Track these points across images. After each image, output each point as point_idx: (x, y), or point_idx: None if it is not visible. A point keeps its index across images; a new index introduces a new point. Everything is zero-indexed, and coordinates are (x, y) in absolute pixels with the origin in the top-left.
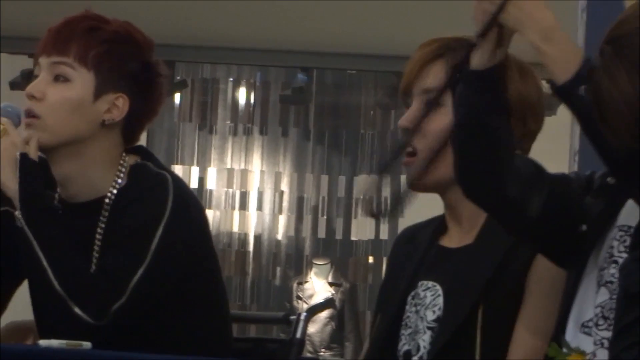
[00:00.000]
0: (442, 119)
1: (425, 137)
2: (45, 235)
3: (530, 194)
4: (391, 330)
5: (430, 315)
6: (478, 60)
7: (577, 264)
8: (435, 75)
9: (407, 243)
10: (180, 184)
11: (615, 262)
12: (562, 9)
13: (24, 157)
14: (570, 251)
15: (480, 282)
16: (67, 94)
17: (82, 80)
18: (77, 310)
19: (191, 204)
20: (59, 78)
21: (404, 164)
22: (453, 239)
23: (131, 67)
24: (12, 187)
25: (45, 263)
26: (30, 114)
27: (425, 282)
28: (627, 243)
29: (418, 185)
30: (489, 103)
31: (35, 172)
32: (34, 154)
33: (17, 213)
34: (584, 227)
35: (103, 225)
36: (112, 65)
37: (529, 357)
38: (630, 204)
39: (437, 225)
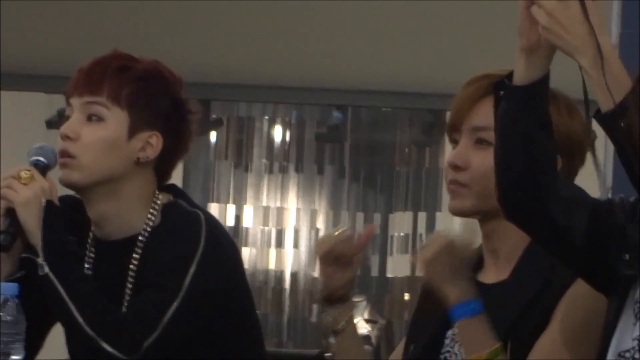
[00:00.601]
0: (490, 156)
1: (472, 173)
2: (69, 279)
3: (574, 218)
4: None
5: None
6: (521, 74)
7: (619, 293)
8: (485, 113)
9: None
10: (213, 222)
11: None
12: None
13: (49, 204)
14: (613, 279)
15: (509, 319)
16: (102, 133)
17: (116, 119)
18: (108, 347)
19: (224, 242)
20: (92, 118)
21: (450, 191)
22: (489, 274)
23: (163, 105)
24: (37, 234)
25: (71, 306)
26: (65, 154)
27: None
28: None
29: (463, 212)
30: (533, 117)
31: (59, 218)
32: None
33: (40, 260)
34: (627, 257)
35: (136, 263)
36: (145, 103)
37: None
38: None
39: (474, 259)
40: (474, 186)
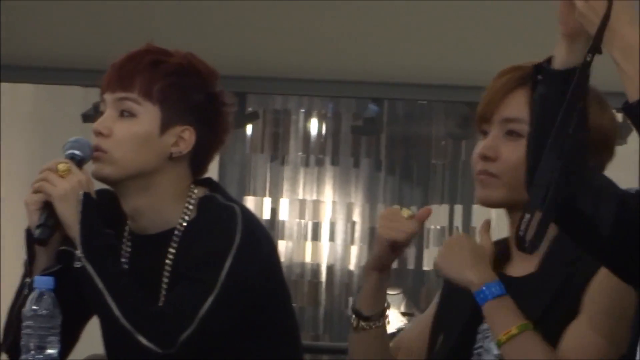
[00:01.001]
0: (520, 148)
1: (502, 164)
2: (106, 271)
3: (603, 208)
4: (458, 356)
5: (495, 349)
6: (562, 60)
7: None
8: (517, 105)
9: None
10: (249, 216)
11: None
12: None
13: (86, 196)
14: None
15: (538, 312)
16: (134, 129)
17: (148, 115)
18: (144, 341)
19: (260, 235)
20: (124, 114)
21: (480, 182)
22: (517, 267)
23: (196, 99)
24: (75, 227)
25: (109, 299)
26: (97, 150)
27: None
28: None
29: (492, 202)
30: (570, 102)
31: (96, 211)
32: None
33: (78, 252)
34: None
35: (172, 257)
36: (177, 98)
37: (585, 350)
38: None
39: (500, 252)
40: (504, 177)
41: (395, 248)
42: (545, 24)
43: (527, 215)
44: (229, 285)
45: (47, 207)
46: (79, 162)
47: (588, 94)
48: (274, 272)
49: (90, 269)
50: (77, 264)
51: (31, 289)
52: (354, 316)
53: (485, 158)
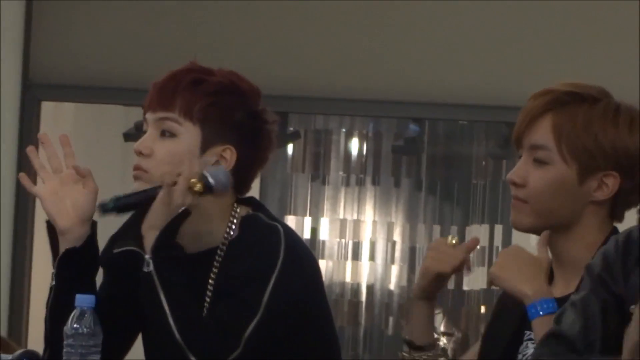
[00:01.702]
0: (546, 175)
1: (529, 190)
2: (170, 283)
3: None
4: None
5: None
6: None
7: None
8: (543, 131)
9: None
10: (292, 235)
11: None
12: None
13: (185, 213)
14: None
15: None
16: (174, 150)
17: (189, 135)
18: (193, 358)
19: (303, 255)
20: (165, 133)
21: (512, 206)
22: (558, 287)
23: (237, 118)
24: (154, 232)
25: (167, 311)
26: (138, 169)
27: (529, 332)
28: None
29: (521, 227)
30: None
31: (177, 230)
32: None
33: (147, 257)
34: (632, 308)
35: (214, 277)
36: (218, 118)
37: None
38: None
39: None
40: (532, 203)
41: (442, 279)
42: (585, 46)
43: None
44: (272, 305)
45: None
46: (205, 187)
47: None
48: (316, 292)
49: (155, 278)
50: (145, 269)
51: (55, 279)
52: (406, 348)
53: (513, 184)
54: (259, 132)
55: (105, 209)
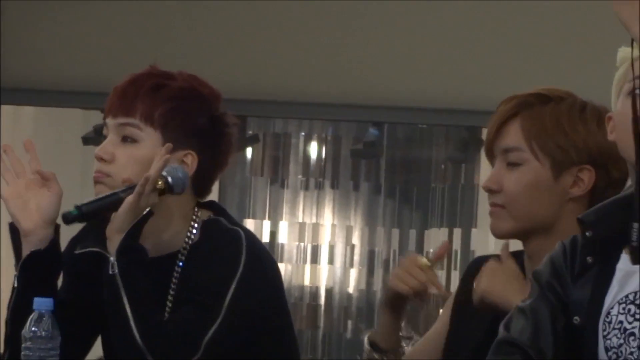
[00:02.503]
0: (521, 176)
1: (506, 195)
2: (134, 286)
3: None
4: None
5: None
6: None
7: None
8: (512, 135)
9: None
10: (253, 240)
11: (632, 334)
12: None
13: (148, 216)
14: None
15: None
16: (135, 154)
17: (150, 140)
18: None
19: (264, 259)
20: (126, 139)
21: (490, 213)
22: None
23: (198, 123)
24: (120, 234)
25: (129, 313)
26: (98, 172)
27: None
28: (633, 311)
29: (502, 233)
30: None
31: (142, 227)
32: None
33: (112, 259)
34: (577, 319)
35: (176, 281)
36: (179, 123)
37: None
38: (618, 277)
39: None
40: (510, 207)
41: (402, 297)
42: (545, 50)
43: (636, 225)
44: (232, 311)
45: (107, 200)
46: (169, 187)
47: (585, 112)
48: (277, 297)
49: (118, 279)
50: (110, 271)
51: (18, 282)
52: (369, 348)
53: (489, 190)
54: (220, 137)
55: (68, 218)
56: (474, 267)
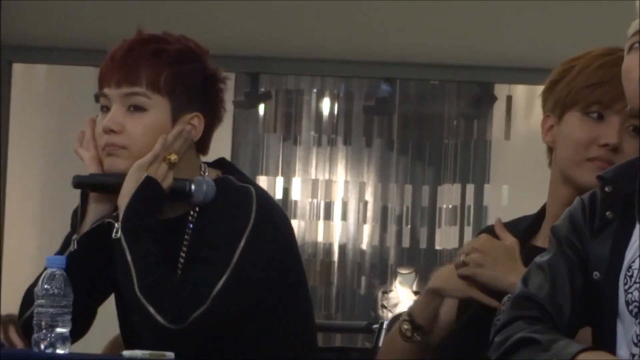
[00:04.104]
0: None
1: None
2: (138, 247)
3: None
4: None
5: None
6: None
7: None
8: None
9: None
10: (264, 196)
11: None
12: None
13: (150, 180)
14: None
15: None
16: (147, 123)
17: (158, 107)
18: (156, 315)
19: (276, 216)
20: (134, 108)
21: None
22: (545, 238)
23: (200, 84)
24: (126, 199)
25: (133, 273)
26: (112, 146)
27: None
28: None
29: None
30: None
31: (153, 197)
32: (166, 185)
33: (117, 224)
34: (597, 274)
35: (187, 240)
36: (184, 87)
37: None
38: (639, 231)
39: (529, 225)
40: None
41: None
42: (559, 5)
43: None
44: (242, 265)
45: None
46: (190, 194)
47: None
48: (289, 253)
49: (124, 241)
50: (116, 235)
51: (77, 245)
52: (406, 322)
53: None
54: (217, 95)
55: (79, 181)
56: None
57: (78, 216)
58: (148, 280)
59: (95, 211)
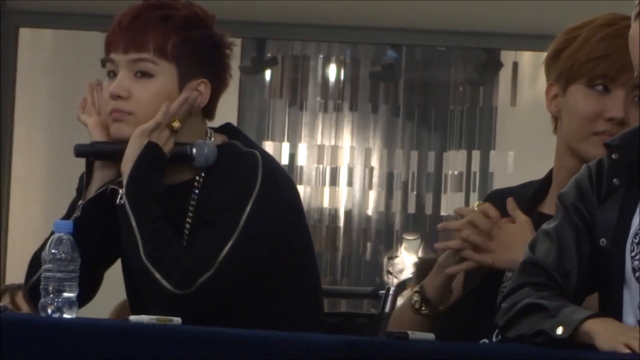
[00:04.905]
0: None
1: None
2: (142, 212)
3: None
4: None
5: None
6: None
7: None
8: None
9: (500, 205)
10: (270, 162)
11: None
12: None
13: (152, 146)
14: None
15: None
16: (154, 89)
17: (165, 73)
18: (162, 280)
19: (281, 181)
20: (141, 74)
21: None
22: (552, 204)
23: (206, 50)
24: (130, 164)
25: (138, 238)
26: (119, 112)
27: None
28: None
29: None
30: None
31: (155, 161)
32: (167, 150)
33: (122, 190)
34: (604, 241)
35: (194, 204)
36: (191, 53)
37: None
38: None
39: (536, 191)
40: None
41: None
42: None
43: None
44: (248, 230)
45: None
46: (191, 156)
47: None
48: (295, 218)
49: (128, 206)
50: (120, 201)
51: (82, 211)
52: (416, 293)
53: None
54: (223, 61)
55: (80, 150)
56: (489, 202)
57: (84, 182)
58: (153, 245)
59: (100, 177)
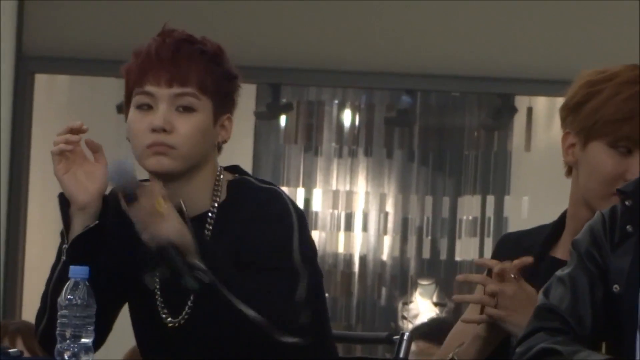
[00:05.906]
0: None
1: None
2: (229, 281)
3: None
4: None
5: None
6: None
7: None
8: None
9: (513, 249)
10: (288, 195)
11: None
12: None
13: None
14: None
15: None
16: (196, 124)
17: (205, 109)
18: (287, 336)
19: (300, 210)
20: (183, 109)
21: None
22: (565, 249)
23: (233, 87)
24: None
25: (236, 303)
26: (162, 145)
27: None
28: None
29: None
30: None
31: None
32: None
33: (199, 265)
34: (617, 287)
35: (208, 234)
36: (224, 89)
37: None
38: None
39: (549, 235)
40: None
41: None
42: (579, 19)
43: None
44: (301, 264)
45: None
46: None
47: None
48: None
49: (218, 285)
50: (201, 277)
51: (67, 255)
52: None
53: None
54: (236, 94)
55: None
56: (502, 246)
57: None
58: (260, 304)
59: (80, 221)
